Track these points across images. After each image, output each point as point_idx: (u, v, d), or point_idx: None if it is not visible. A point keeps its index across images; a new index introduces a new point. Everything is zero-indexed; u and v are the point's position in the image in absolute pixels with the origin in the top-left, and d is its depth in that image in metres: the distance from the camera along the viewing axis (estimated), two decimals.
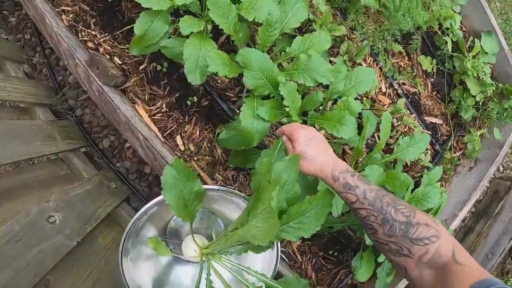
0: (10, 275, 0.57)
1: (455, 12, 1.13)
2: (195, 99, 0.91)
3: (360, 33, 0.95)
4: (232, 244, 0.57)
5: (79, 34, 0.92)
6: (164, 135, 0.88)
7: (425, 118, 1.16)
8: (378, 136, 1.01)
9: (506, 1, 1.65)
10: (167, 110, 0.90)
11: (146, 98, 0.91)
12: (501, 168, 1.73)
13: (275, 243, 0.65)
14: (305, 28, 0.91)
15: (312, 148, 0.55)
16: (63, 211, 0.75)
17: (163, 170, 0.74)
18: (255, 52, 0.70)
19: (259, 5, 0.74)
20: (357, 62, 0.94)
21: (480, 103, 1.18)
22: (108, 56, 0.92)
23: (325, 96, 0.81)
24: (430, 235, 0.44)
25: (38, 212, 0.68)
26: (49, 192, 0.84)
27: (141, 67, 0.92)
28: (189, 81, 0.70)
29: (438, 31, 1.13)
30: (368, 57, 1.01)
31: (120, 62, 0.92)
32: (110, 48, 0.93)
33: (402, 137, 0.90)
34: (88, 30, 0.93)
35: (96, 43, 0.93)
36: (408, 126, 1.07)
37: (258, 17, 0.74)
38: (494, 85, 1.14)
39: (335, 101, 0.89)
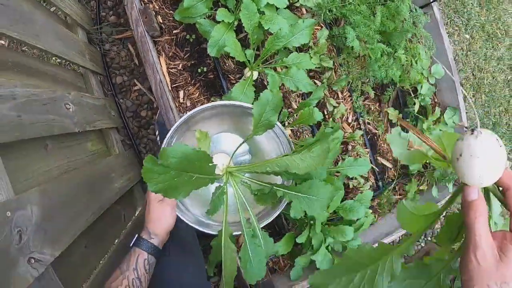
0: (30, 120, 0.81)
1: (429, 82, 1.53)
2: (205, 69, 1.25)
3: (344, 70, 1.33)
4: (266, 171, 0.73)
5: None
6: (172, 86, 1.22)
7: (378, 157, 1.53)
8: None
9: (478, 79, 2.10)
10: (181, 69, 1.25)
11: (169, 55, 1.25)
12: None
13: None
14: (303, 50, 1.28)
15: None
16: (76, 106, 1.06)
17: (164, 107, 1.08)
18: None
19: (275, 21, 1.11)
20: (334, 89, 1.31)
21: (428, 162, 1.56)
22: (154, 13, 1.27)
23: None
24: None
25: (61, 95, 0.99)
26: (69, 89, 1.16)
27: (174, 31, 1.28)
28: (208, 51, 1.05)
29: (411, 93, 1.52)
30: (346, 92, 1.38)
31: (161, 21, 1.27)
32: (158, 8, 1.28)
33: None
34: None
35: None
36: (359, 155, 1.43)
37: (271, 28, 1.10)
38: None
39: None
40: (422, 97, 1.52)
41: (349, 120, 1.41)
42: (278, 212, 0.93)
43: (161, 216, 0.76)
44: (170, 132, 0.85)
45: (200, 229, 0.84)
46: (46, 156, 0.93)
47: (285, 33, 1.11)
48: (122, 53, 1.49)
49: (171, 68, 1.24)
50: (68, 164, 1.01)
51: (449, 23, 2.02)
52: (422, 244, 2.06)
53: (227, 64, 1.28)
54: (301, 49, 1.28)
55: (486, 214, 0.34)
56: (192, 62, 1.27)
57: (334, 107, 1.30)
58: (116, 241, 1.14)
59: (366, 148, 1.46)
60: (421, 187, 1.62)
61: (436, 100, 1.64)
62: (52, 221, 0.77)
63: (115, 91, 1.46)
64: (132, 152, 1.44)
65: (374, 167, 1.47)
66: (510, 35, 2.21)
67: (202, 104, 1.24)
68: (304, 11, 1.33)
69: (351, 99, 1.41)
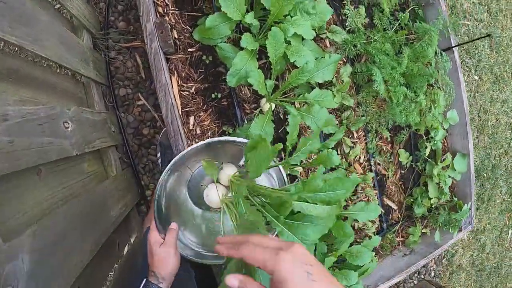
0: (23, 145, 0.70)
1: (443, 128, 1.49)
2: (219, 95, 1.16)
3: (363, 110, 1.27)
4: None
5: None
6: (183, 110, 1.12)
7: (384, 198, 1.48)
8: None
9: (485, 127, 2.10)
10: (194, 93, 1.15)
11: (182, 75, 1.15)
12: (433, 274, 2.07)
13: None
14: (323, 85, 1.21)
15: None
16: (75, 124, 0.94)
17: (173, 135, 0.99)
18: None
19: (302, 53, 1.04)
20: (351, 130, 1.25)
21: (433, 207, 1.52)
22: (169, 27, 1.17)
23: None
24: None
25: (60, 112, 0.88)
26: (69, 103, 1.04)
27: (189, 49, 1.18)
28: (227, 80, 0.97)
29: (424, 136, 1.48)
30: (361, 131, 1.32)
31: (176, 37, 1.17)
32: (174, 21, 1.18)
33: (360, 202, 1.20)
34: None
35: (165, 11, 1.18)
36: (368, 197, 1.37)
37: (297, 62, 1.03)
38: (450, 196, 1.48)
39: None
40: (434, 142, 1.48)
41: (361, 161, 1.35)
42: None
43: (165, 259, 0.75)
44: (166, 170, 0.78)
45: (200, 261, 0.82)
46: (38, 184, 0.82)
47: (311, 67, 1.04)
48: (128, 63, 1.38)
49: (183, 91, 1.14)
50: (63, 191, 0.90)
51: (460, 64, 2.01)
52: (415, 282, 2.02)
53: (243, 92, 1.19)
54: (321, 84, 1.21)
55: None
56: (206, 85, 1.17)
57: (351, 148, 1.24)
58: (110, 277, 1.03)
59: (375, 189, 1.40)
60: (423, 230, 1.58)
61: (446, 144, 1.61)
62: (44, 268, 0.67)
63: (117, 103, 1.35)
64: (130, 172, 1.33)
65: (381, 208, 1.42)
66: None
67: (212, 132, 1.15)
68: (328, 44, 1.27)
69: (365, 139, 1.35)
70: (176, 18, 1.20)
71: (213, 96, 1.16)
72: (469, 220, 1.64)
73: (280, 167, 0.85)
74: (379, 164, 1.43)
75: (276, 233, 0.82)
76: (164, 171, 0.77)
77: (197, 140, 1.13)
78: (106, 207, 1.03)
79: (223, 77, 1.18)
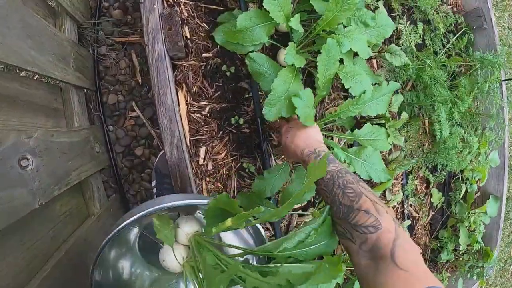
0: None
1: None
2: (241, 121, 0.86)
3: (409, 147, 1.01)
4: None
5: None
6: (191, 139, 0.81)
7: None
8: None
9: None
10: (208, 115, 0.84)
11: (193, 90, 0.84)
12: None
13: None
14: (369, 118, 0.93)
15: (289, 136, 0.65)
16: (39, 158, 0.63)
17: (180, 178, 0.68)
18: None
19: (359, 78, 0.75)
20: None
21: (460, 252, 1.31)
22: (180, 22, 0.85)
23: None
24: (368, 224, 0.43)
25: (13, 145, 0.56)
26: (34, 123, 0.71)
27: (205, 55, 0.87)
28: (263, 112, 0.67)
29: (460, 176, 1.25)
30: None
31: (188, 36, 0.86)
32: (187, 15, 0.86)
33: None
34: None
35: (175, 0, 0.86)
36: None
37: (353, 89, 0.75)
38: (480, 244, 1.27)
39: None
40: (470, 184, 1.25)
41: (395, 203, 1.10)
42: None
43: None
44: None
45: None
46: None
47: (368, 97, 0.76)
48: (122, 63, 1.04)
49: (193, 112, 0.83)
50: (22, 257, 0.59)
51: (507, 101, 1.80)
52: None
53: None
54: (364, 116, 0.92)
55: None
56: (223, 105, 0.87)
57: (394, 195, 0.98)
58: None
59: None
60: (446, 275, 1.37)
61: (478, 185, 1.39)
62: None
63: (104, 113, 1.01)
64: (118, 201, 1.01)
65: None
66: None
67: (228, 168, 0.85)
68: (375, 64, 0.99)
69: (401, 179, 1.09)
70: (190, 10, 0.88)
71: (232, 121, 0.86)
72: (492, 265, 1.45)
73: (258, 225, 0.62)
74: (411, 205, 1.18)
75: None
76: (99, 249, 0.55)
77: (207, 179, 0.83)
78: (88, 264, 0.72)
79: (247, 95, 0.88)
